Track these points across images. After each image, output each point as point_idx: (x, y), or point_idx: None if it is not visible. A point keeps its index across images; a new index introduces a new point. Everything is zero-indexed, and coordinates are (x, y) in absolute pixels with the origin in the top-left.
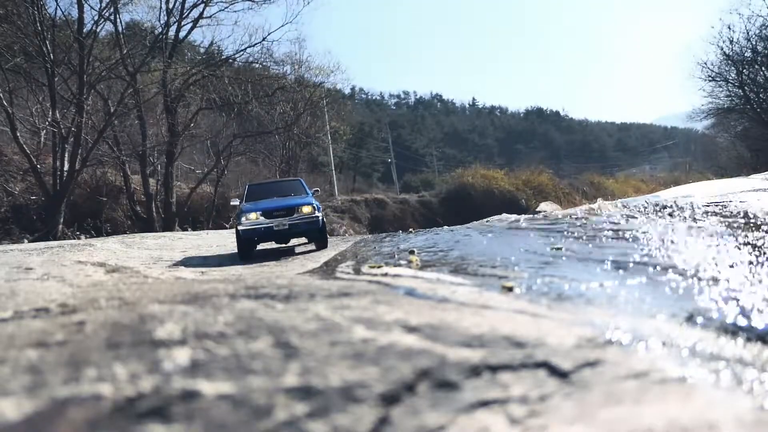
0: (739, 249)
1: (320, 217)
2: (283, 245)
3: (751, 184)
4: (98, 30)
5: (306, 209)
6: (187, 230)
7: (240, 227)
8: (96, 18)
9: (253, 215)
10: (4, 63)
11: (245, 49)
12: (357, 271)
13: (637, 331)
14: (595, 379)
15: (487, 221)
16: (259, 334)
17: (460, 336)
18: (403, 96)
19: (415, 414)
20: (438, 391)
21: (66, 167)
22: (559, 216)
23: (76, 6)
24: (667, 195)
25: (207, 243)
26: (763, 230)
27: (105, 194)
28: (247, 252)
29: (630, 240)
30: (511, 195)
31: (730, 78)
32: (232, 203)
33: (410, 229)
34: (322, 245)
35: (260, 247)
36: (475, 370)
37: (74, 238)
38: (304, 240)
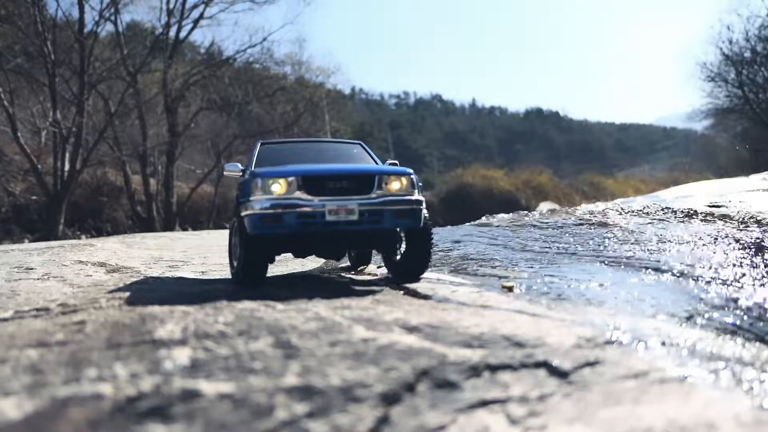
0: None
1: (424, 205)
2: (330, 260)
3: (750, 184)
4: (99, 30)
5: (395, 183)
6: (187, 230)
7: (247, 213)
8: (97, 18)
9: (280, 184)
10: (5, 63)
11: (246, 49)
12: (357, 271)
13: (636, 331)
14: (595, 379)
15: (487, 221)
16: (260, 333)
17: (460, 336)
18: (403, 96)
19: (415, 414)
20: (438, 390)
21: (67, 167)
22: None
23: (76, 6)
24: (666, 195)
25: (207, 244)
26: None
27: (105, 194)
28: (256, 269)
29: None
30: (511, 195)
31: (730, 78)
32: (226, 171)
33: None
34: (418, 265)
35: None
36: (474, 370)
37: (75, 238)
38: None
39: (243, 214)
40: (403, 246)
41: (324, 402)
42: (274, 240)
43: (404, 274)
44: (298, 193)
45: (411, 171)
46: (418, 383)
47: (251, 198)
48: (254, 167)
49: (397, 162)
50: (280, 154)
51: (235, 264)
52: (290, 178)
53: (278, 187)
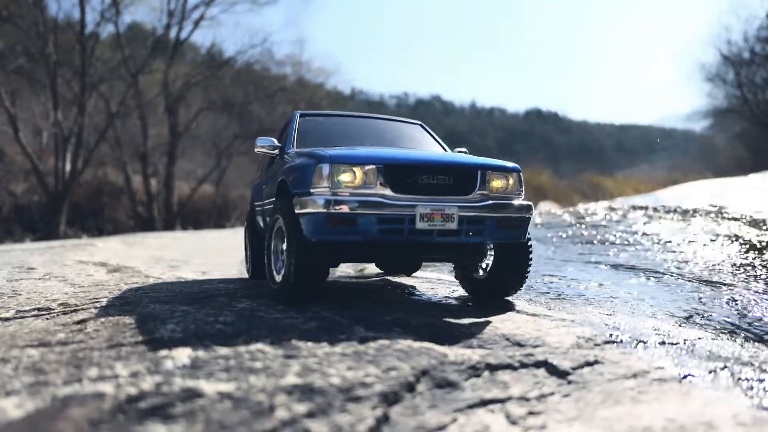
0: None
1: (533, 212)
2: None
3: (749, 184)
4: (100, 31)
5: (500, 181)
6: (188, 230)
7: (306, 211)
8: (98, 20)
9: (354, 173)
10: (7, 64)
11: (246, 50)
12: (358, 271)
13: (635, 331)
14: (594, 379)
15: None
16: (260, 333)
17: (460, 336)
18: (403, 96)
19: (415, 413)
20: (438, 390)
21: (68, 167)
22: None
23: (78, 8)
24: (665, 195)
25: (208, 244)
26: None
27: (106, 194)
28: (311, 286)
29: None
30: None
31: (728, 79)
32: (258, 147)
33: None
34: (513, 284)
35: None
36: (474, 370)
37: (76, 238)
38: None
39: (300, 211)
40: (489, 259)
41: (324, 402)
42: (340, 249)
43: (491, 294)
44: (379, 188)
45: (518, 167)
46: (418, 383)
47: (312, 190)
48: (297, 145)
49: (466, 150)
50: (326, 130)
51: (277, 277)
52: (368, 167)
53: (350, 177)
